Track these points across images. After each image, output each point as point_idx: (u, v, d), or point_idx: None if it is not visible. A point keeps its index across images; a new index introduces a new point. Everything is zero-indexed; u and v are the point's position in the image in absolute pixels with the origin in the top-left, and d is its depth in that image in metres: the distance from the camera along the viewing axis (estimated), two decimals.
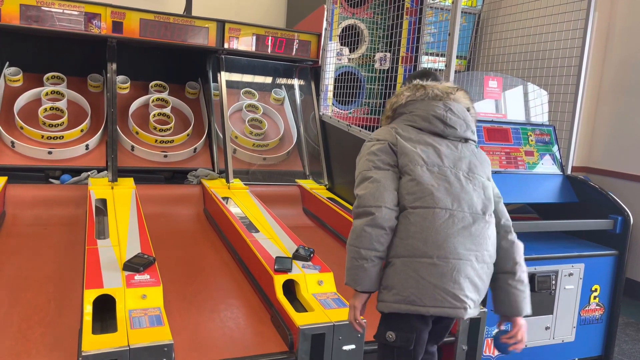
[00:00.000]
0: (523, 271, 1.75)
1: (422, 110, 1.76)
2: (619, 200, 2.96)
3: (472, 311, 1.65)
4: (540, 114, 3.36)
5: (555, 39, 3.25)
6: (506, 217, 1.80)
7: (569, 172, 3.23)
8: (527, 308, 1.74)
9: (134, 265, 2.14)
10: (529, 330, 2.76)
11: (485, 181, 1.75)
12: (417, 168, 1.66)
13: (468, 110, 1.82)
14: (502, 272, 1.73)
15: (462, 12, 2.82)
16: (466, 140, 1.79)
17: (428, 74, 1.93)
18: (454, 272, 1.59)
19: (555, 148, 3.27)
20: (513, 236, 1.77)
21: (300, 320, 2.02)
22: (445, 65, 2.79)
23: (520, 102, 3.37)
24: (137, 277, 2.09)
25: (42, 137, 3.40)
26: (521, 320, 1.75)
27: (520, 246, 1.77)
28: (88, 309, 1.89)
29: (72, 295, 2.22)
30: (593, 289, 2.92)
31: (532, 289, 2.73)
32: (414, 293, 1.59)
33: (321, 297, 2.22)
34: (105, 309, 1.95)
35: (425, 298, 1.58)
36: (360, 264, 1.62)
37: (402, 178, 1.68)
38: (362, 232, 1.63)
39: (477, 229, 1.65)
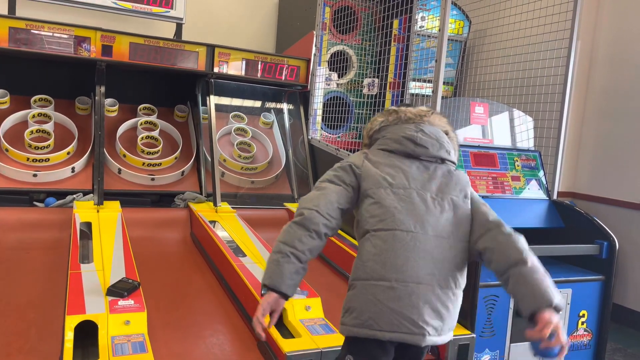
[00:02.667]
0: (535, 260, 1.57)
1: (394, 133, 1.75)
2: (604, 226, 2.98)
3: (436, 338, 1.57)
4: (526, 139, 3.41)
5: (539, 66, 3.32)
6: (493, 214, 1.69)
7: (555, 197, 3.26)
8: (553, 295, 1.49)
9: (118, 290, 2.10)
10: (519, 357, 2.75)
11: (459, 201, 1.68)
12: (381, 190, 1.64)
13: (447, 133, 1.79)
14: (511, 265, 1.56)
15: (448, 39, 2.88)
16: (442, 160, 1.74)
17: (404, 104, 1.95)
18: (413, 297, 1.53)
19: (541, 173, 3.31)
20: (508, 229, 1.63)
21: (287, 346, 1.99)
22: (432, 91, 2.83)
23: (507, 128, 3.42)
24: (121, 302, 2.05)
25: (28, 159, 3.37)
26: (548, 314, 1.47)
27: (521, 237, 1.61)
28: (69, 335, 1.84)
29: (53, 322, 2.16)
30: (581, 314, 2.92)
31: (520, 315, 2.71)
32: (371, 317, 1.55)
33: (308, 323, 2.20)
34: (87, 336, 1.91)
35: (382, 322, 1.53)
36: (275, 257, 1.60)
37: (364, 201, 1.67)
38: (287, 228, 1.64)
39: (441, 252, 1.60)
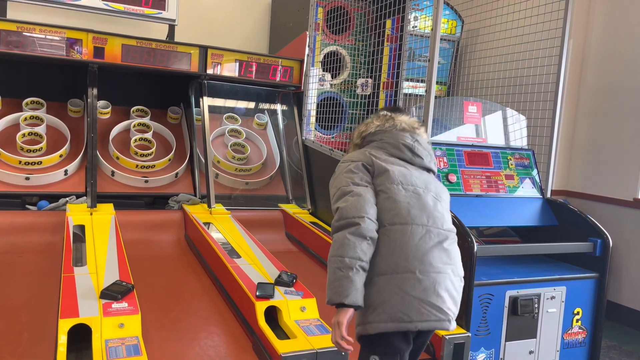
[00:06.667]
0: None
1: (392, 139, 1.87)
2: (597, 223, 2.99)
3: (454, 324, 1.70)
4: (519, 138, 3.41)
5: (532, 65, 3.33)
6: None
7: (548, 195, 3.27)
8: None
9: (111, 293, 2.09)
10: (514, 356, 2.76)
11: (446, 212, 1.83)
12: (394, 186, 1.73)
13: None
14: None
15: (441, 39, 2.88)
16: (429, 170, 1.90)
17: (397, 109, 2.05)
18: (436, 285, 1.64)
19: (534, 172, 3.32)
20: None
21: (282, 347, 1.98)
22: (426, 91, 2.83)
23: (500, 127, 3.43)
24: (115, 305, 2.04)
25: (20, 162, 3.35)
26: None
27: None
28: (62, 339, 1.83)
29: (46, 325, 2.15)
30: (575, 312, 2.93)
31: (515, 313, 2.72)
32: (400, 310, 1.61)
33: (304, 324, 2.19)
34: (81, 339, 1.90)
35: (412, 313, 1.61)
36: (345, 273, 1.60)
37: (379, 196, 1.74)
38: (345, 241, 1.63)
39: (449, 244, 1.74)
